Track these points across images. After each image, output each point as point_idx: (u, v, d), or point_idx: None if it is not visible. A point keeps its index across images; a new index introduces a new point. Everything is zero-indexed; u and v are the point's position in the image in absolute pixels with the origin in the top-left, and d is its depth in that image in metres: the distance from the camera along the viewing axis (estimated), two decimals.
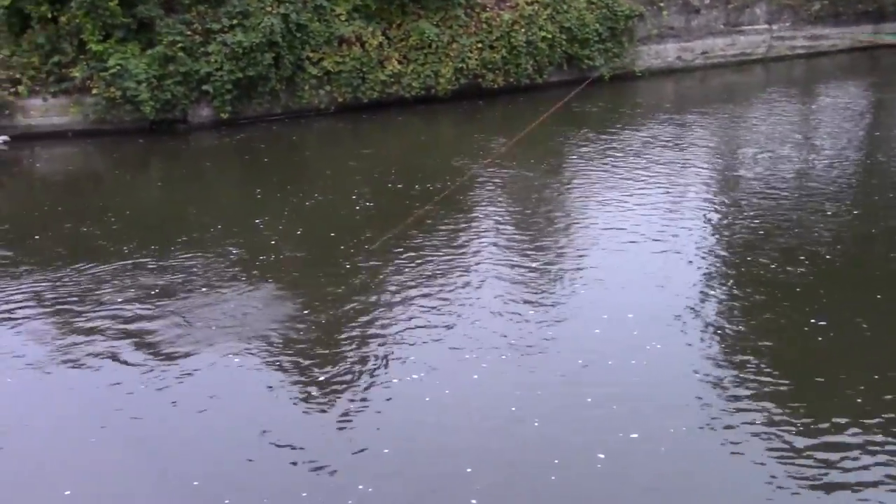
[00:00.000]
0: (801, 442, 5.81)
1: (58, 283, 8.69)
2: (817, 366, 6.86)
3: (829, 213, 10.27)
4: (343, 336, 7.45)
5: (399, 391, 6.56)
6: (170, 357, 7.13)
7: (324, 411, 6.32)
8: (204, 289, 8.46)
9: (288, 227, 10.28)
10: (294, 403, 6.43)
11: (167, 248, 9.59)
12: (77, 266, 9.10)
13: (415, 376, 6.74)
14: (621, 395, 6.39)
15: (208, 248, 9.63)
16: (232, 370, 6.91)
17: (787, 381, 6.57)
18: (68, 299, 8.31)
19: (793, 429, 5.95)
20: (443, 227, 10.10)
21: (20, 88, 14.65)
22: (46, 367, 7.02)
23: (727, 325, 7.52)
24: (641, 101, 18.38)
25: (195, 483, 5.56)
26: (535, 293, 8.21)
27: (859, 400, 6.26)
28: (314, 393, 6.54)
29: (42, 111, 14.92)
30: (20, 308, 8.14)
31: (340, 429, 6.12)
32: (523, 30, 17.73)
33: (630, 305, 7.83)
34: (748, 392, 6.41)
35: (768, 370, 6.69)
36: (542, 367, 6.83)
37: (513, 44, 17.65)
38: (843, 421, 6.01)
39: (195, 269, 8.95)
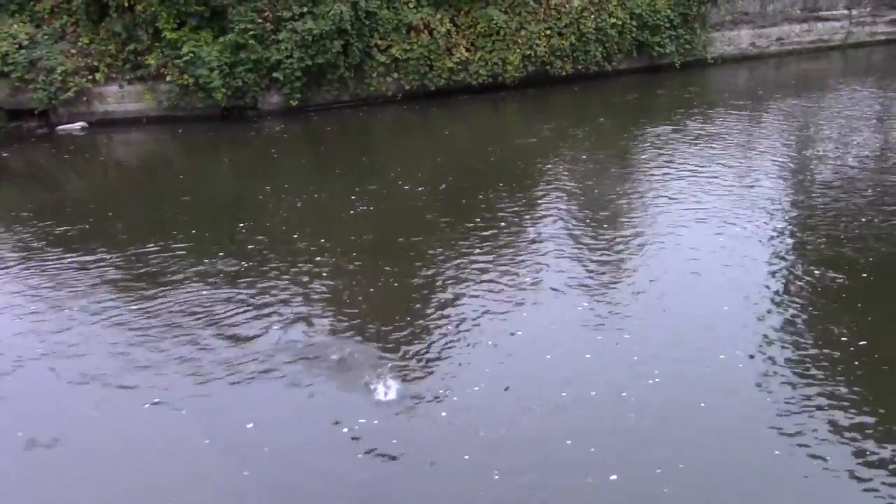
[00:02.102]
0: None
1: (130, 265, 8.86)
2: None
3: None
4: (417, 320, 7.44)
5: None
6: (242, 339, 7.21)
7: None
8: (275, 272, 8.51)
9: (370, 207, 10.36)
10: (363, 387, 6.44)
11: (238, 233, 9.68)
12: (149, 247, 9.26)
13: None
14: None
15: (279, 233, 9.69)
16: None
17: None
18: (139, 281, 8.45)
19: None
20: (518, 209, 10.04)
21: (97, 76, 15.00)
22: (130, 353, 7.13)
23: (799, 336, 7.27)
24: (713, 88, 17.98)
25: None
26: (609, 272, 8.10)
27: None
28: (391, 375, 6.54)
29: (118, 98, 15.26)
30: (93, 289, 8.31)
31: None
32: (593, 16, 17.47)
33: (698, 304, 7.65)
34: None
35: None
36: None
37: (582, 30, 17.41)
38: None
39: (266, 254, 9.00)
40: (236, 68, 14.99)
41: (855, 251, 8.46)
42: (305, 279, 8.32)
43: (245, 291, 8.08)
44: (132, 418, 6.18)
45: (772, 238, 8.90)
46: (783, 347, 6.73)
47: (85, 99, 15.02)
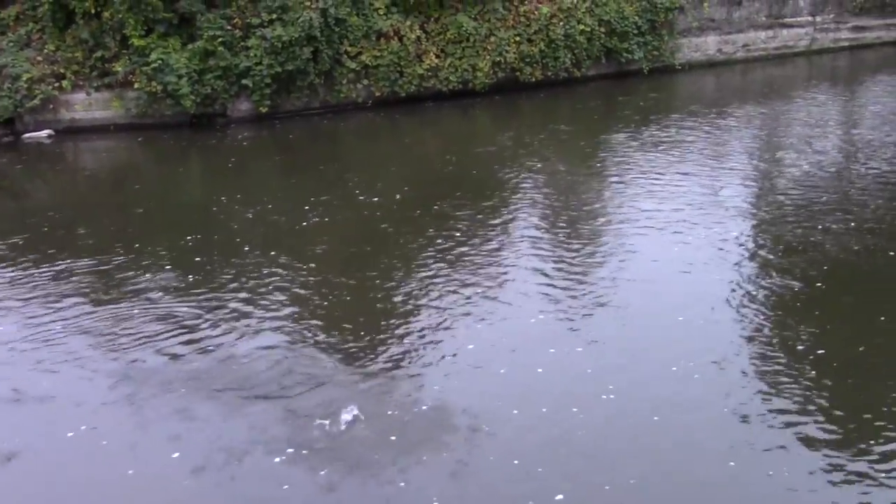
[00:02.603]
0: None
1: (94, 273, 8.80)
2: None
3: (868, 212, 10.01)
4: (375, 330, 7.46)
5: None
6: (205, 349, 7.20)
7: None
8: (242, 279, 8.50)
9: (324, 219, 10.32)
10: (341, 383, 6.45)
11: (204, 241, 9.68)
12: (115, 256, 9.22)
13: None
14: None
15: (245, 239, 9.68)
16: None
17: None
18: (105, 289, 8.41)
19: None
20: (477, 218, 10.07)
21: (64, 83, 14.90)
22: (93, 360, 7.10)
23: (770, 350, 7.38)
24: (681, 94, 18.21)
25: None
26: (568, 282, 8.16)
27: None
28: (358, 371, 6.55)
29: (85, 105, 15.16)
30: (62, 298, 8.25)
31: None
32: (562, 23, 17.62)
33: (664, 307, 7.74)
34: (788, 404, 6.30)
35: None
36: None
37: (551, 37, 17.55)
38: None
39: (209, 268, 8.92)
40: (205, 75, 14.95)
41: (810, 260, 8.57)
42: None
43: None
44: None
45: (731, 246, 8.95)
46: (739, 358, 6.76)
47: (51, 106, 14.91)
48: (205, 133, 15.05)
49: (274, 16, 15.15)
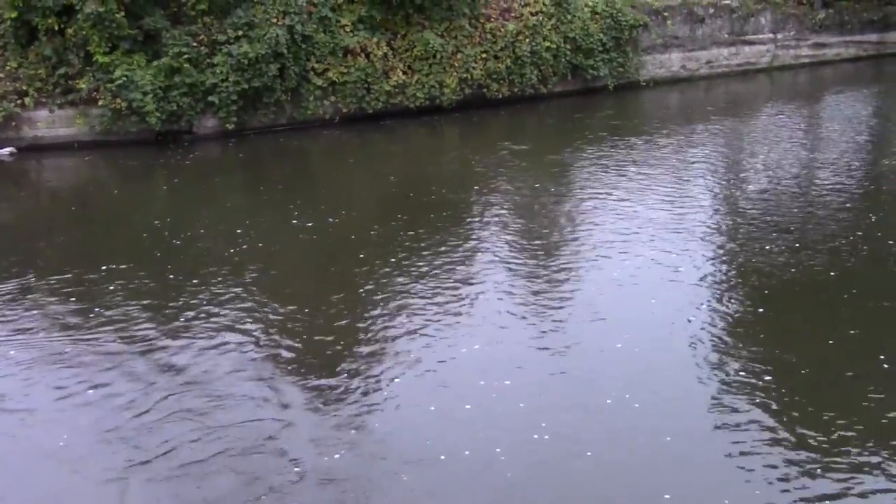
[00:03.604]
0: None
1: (56, 292, 8.69)
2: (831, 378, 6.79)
3: (834, 225, 10.21)
4: (334, 348, 7.43)
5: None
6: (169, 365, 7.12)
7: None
8: (202, 296, 8.43)
9: (289, 236, 10.28)
10: (294, 407, 6.40)
11: (166, 259, 9.59)
12: (75, 274, 9.11)
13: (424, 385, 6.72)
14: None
15: (209, 257, 9.60)
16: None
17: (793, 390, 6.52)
18: (66, 307, 8.30)
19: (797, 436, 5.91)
20: (443, 236, 10.06)
21: (27, 100, 14.73)
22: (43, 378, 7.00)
23: (734, 355, 7.46)
24: (645, 110, 18.45)
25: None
26: (535, 300, 8.18)
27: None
28: (315, 397, 6.51)
29: (48, 123, 14.99)
30: (21, 317, 8.14)
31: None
32: (528, 40, 17.79)
33: (629, 327, 7.78)
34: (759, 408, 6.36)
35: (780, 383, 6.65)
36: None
37: (517, 54, 17.71)
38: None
39: (195, 279, 8.89)
40: (171, 92, 14.86)
41: (767, 277, 8.67)
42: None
43: (170, 315, 7.95)
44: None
45: (690, 266, 9.00)
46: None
47: (14, 124, 14.74)
48: (169, 150, 14.93)
49: (240, 32, 15.13)
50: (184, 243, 10.22)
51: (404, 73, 16.74)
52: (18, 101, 14.68)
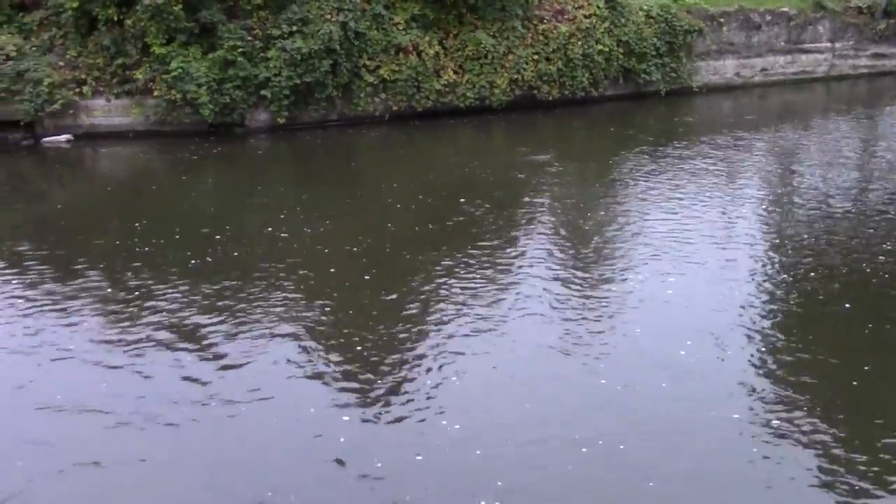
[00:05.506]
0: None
1: (110, 282, 8.84)
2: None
3: (886, 244, 9.97)
4: (388, 352, 7.44)
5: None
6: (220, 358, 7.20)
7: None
8: (255, 290, 8.52)
9: (337, 232, 10.31)
10: (340, 405, 6.43)
11: (218, 250, 9.69)
12: (131, 266, 9.25)
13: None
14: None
15: (260, 251, 9.70)
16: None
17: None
18: (119, 297, 8.44)
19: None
20: (494, 237, 10.03)
21: (85, 89, 15.01)
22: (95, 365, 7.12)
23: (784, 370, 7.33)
24: (698, 117, 18.19)
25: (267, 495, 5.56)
26: (582, 304, 8.11)
27: None
28: (365, 399, 6.53)
29: (105, 111, 15.27)
30: (72, 304, 8.28)
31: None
32: (580, 42, 17.67)
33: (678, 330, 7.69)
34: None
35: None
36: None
37: (569, 56, 17.59)
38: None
39: (247, 272, 9.01)
40: (224, 85, 15.03)
41: (818, 286, 8.52)
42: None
43: (222, 308, 8.04)
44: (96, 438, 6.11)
45: (743, 277, 8.86)
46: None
47: (71, 111, 15.02)
48: (222, 142, 15.11)
49: (294, 28, 15.25)
50: (233, 233, 10.32)
51: (455, 72, 16.72)
52: (77, 90, 14.96)
